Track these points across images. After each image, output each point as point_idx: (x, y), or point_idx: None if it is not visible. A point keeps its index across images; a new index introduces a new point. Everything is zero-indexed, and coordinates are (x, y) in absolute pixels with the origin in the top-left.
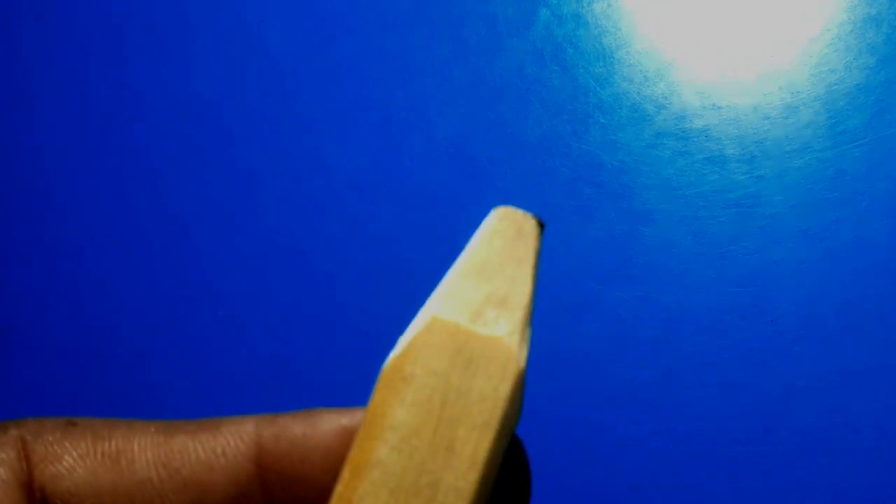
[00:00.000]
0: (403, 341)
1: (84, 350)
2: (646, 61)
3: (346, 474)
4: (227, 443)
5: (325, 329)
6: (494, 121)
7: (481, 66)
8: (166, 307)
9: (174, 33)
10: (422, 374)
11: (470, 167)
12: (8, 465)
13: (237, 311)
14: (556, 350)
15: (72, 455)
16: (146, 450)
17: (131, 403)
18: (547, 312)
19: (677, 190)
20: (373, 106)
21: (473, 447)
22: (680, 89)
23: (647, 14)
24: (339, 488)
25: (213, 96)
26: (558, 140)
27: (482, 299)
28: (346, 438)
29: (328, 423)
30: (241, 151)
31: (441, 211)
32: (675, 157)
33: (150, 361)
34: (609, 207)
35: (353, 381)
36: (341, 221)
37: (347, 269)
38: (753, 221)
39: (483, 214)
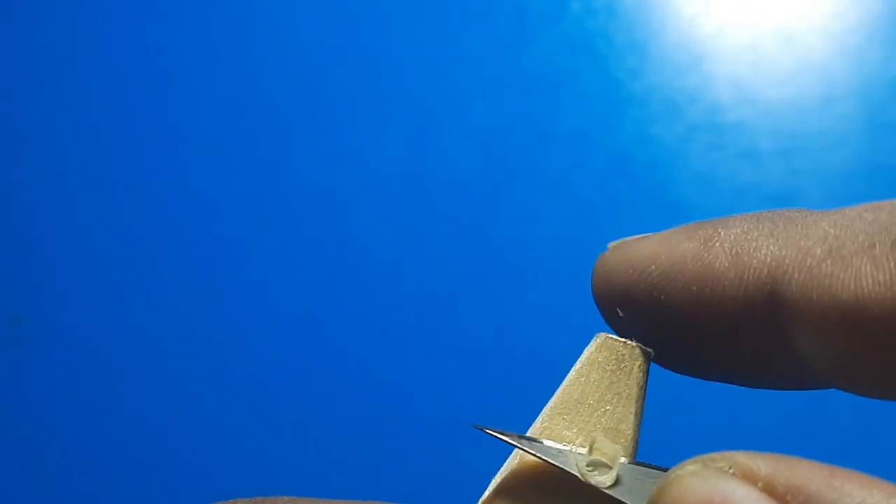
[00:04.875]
0: (496, 481)
1: (94, 346)
2: (678, 54)
3: None
4: None
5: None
6: (525, 114)
7: (512, 60)
8: (178, 304)
9: (201, 26)
10: None
11: (500, 161)
12: None
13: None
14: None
15: None
16: None
17: (135, 404)
18: (578, 311)
19: (711, 184)
20: (403, 99)
21: None
22: (713, 82)
23: (679, 6)
24: None
25: (240, 92)
26: (589, 133)
27: (578, 439)
28: None
29: None
30: (269, 145)
31: (471, 204)
32: (708, 151)
33: (160, 363)
34: (641, 202)
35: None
36: (370, 215)
37: (373, 267)
38: None
39: (512, 211)
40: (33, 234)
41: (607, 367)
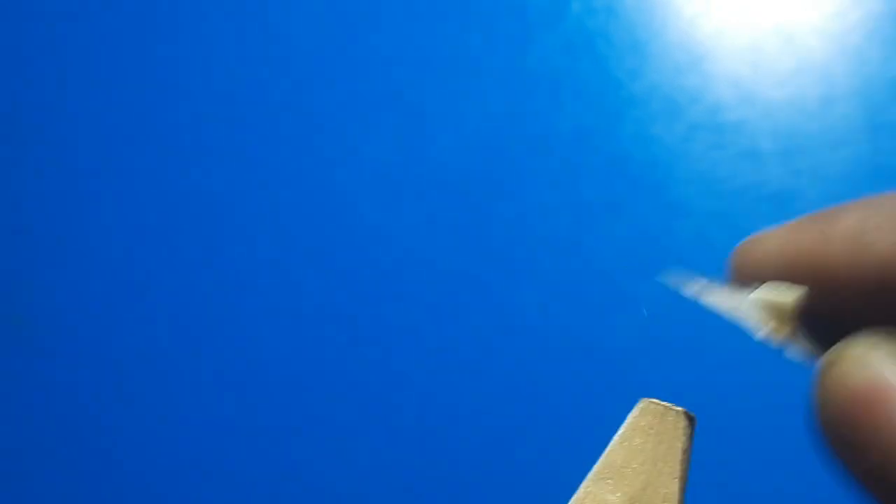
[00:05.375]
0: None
1: (97, 348)
2: (678, 53)
3: None
4: None
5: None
6: (525, 114)
7: (512, 59)
8: (176, 305)
9: (201, 25)
10: None
11: (500, 161)
12: None
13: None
14: (588, 346)
15: None
16: None
17: (138, 407)
18: (579, 308)
19: (711, 184)
20: (402, 99)
21: None
22: (713, 82)
23: (679, 6)
24: None
25: (240, 92)
26: (589, 133)
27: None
28: None
29: None
30: (269, 145)
31: (471, 204)
32: (709, 151)
33: (163, 365)
34: (642, 202)
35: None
36: (369, 215)
37: (373, 267)
38: (789, 216)
39: (512, 211)
40: (35, 235)
41: (650, 432)
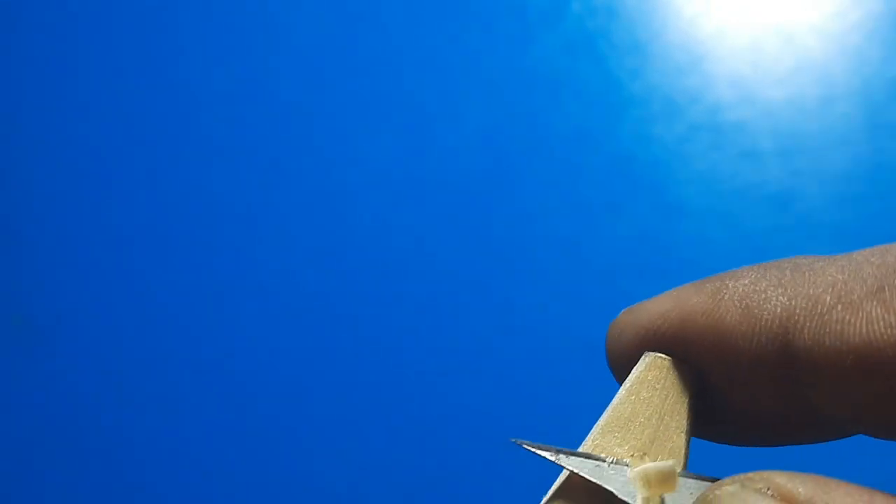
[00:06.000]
0: (554, 487)
1: (99, 347)
2: (678, 54)
3: None
4: None
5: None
6: (525, 114)
7: (512, 60)
8: (179, 307)
9: (201, 24)
10: None
11: (500, 161)
12: None
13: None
14: (590, 347)
15: None
16: None
17: (140, 406)
18: (579, 308)
19: (711, 184)
20: (403, 99)
21: None
22: (713, 82)
23: (679, 6)
24: None
25: (240, 92)
26: (589, 133)
27: (629, 455)
28: None
29: None
30: (269, 146)
31: (471, 204)
32: (709, 151)
33: (164, 364)
34: (642, 202)
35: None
36: (369, 215)
37: (372, 267)
38: (789, 216)
39: (512, 211)
40: (37, 235)
41: (657, 385)
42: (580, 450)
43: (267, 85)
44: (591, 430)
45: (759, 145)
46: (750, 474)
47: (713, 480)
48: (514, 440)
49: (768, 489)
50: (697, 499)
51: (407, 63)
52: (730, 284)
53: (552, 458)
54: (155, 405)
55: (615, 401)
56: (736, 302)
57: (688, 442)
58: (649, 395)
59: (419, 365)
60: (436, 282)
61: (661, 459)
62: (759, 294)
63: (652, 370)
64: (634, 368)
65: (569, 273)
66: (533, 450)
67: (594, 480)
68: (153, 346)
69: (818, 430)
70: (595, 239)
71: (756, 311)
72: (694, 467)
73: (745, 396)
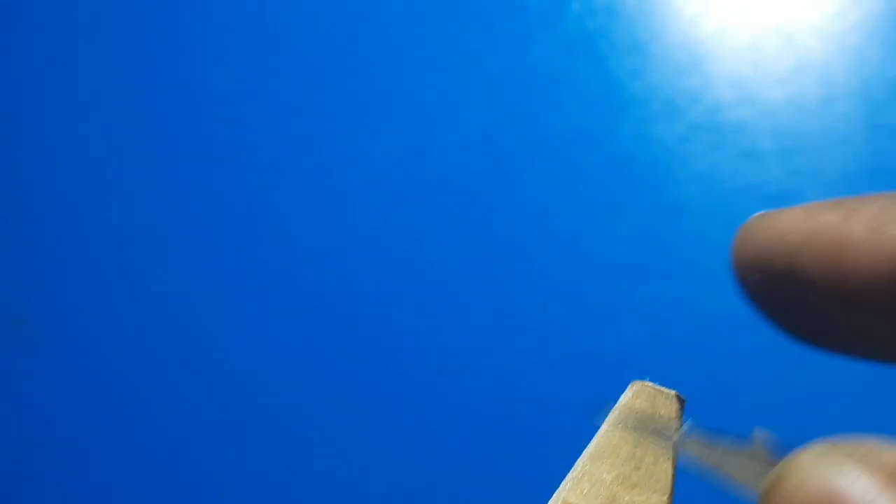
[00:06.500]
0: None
1: (97, 349)
2: (678, 54)
3: None
4: None
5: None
6: (525, 114)
7: (512, 60)
8: (179, 307)
9: (202, 24)
10: None
11: (500, 161)
12: None
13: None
14: (590, 347)
15: None
16: None
17: (139, 408)
18: (579, 308)
19: (711, 184)
20: (403, 99)
21: None
22: (713, 82)
23: (679, 6)
24: None
25: (240, 92)
26: (589, 133)
27: (616, 483)
28: None
29: None
30: (269, 146)
31: (470, 204)
32: (709, 151)
33: (164, 366)
34: (642, 202)
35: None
36: (369, 215)
37: (372, 267)
38: None
39: (512, 211)
40: (37, 235)
41: (645, 413)
42: (570, 475)
43: (267, 85)
44: (581, 456)
45: (759, 145)
46: (836, 441)
47: None
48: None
49: (854, 458)
50: (777, 465)
51: (407, 63)
52: (861, 206)
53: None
54: (155, 405)
55: (603, 427)
56: (864, 222)
57: (674, 469)
58: (636, 423)
59: (419, 365)
60: (436, 282)
61: (648, 487)
62: (887, 219)
63: (639, 398)
64: (622, 396)
65: (569, 273)
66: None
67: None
68: (153, 346)
69: None
70: (595, 239)
71: (883, 231)
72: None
73: (862, 313)
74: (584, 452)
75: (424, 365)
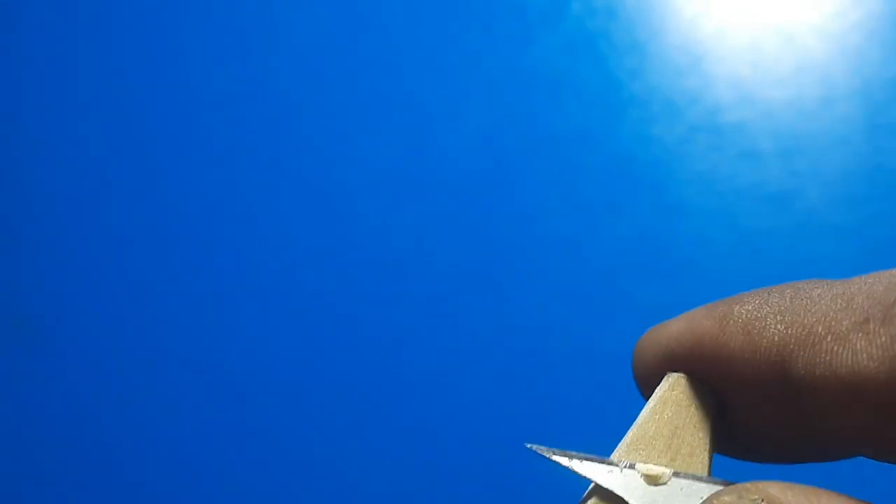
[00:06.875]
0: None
1: (96, 349)
2: (678, 54)
3: None
4: None
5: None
6: (525, 114)
7: (512, 60)
8: (179, 305)
9: (204, 27)
10: None
11: (500, 161)
12: None
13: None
14: (589, 347)
15: None
16: None
17: (138, 409)
18: (579, 308)
19: (711, 185)
20: (403, 99)
21: None
22: (713, 82)
23: (679, 6)
24: None
25: (240, 92)
26: (589, 133)
27: (654, 472)
28: None
29: None
30: (269, 146)
31: (470, 204)
32: (709, 152)
33: (163, 366)
34: (642, 202)
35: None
36: (369, 215)
37: (371, 267)
38: (789, 217)
39: (512, 212)
40: (37, 235)
41: (681, 405)
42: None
43: (267, 85)
44: (617, 447)
45: (758, 146)
46: (746, 485)
47: (707, 480)
48: (528, 445)
49: (762, 501)
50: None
51: (407, 63)
52: (735, 310)
53: (566, 464)
54: (155, 405)
55: (639, 419)
56: (740, 328)
57: (710, 458)
58: (672, 414)
59: (419, 365)
60: (436, 282)
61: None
62: (761, 321)
63: (675, 389)
64: (658, 387)
65: (569, 273)
66: (547, 455)
67: (605, 486)
68: (153, 346)
69: (823, 451)
70: (595, 239)
71: (756, 337)
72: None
73: (755, 417)
74: (621, 443)
75: (424, 365)
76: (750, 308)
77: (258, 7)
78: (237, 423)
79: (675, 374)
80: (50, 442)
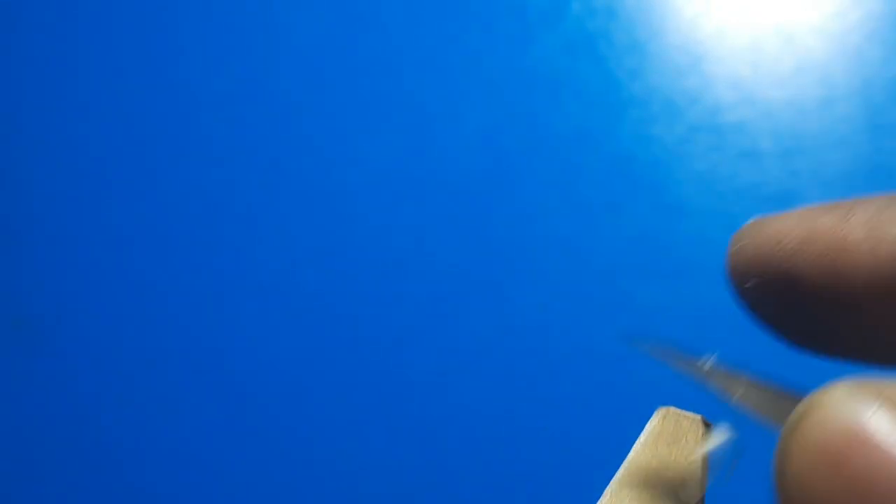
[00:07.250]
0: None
1: (97, 349)
2: (678, 54)
3: None
4: None
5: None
6: (525, 114)
7: (512, 60)
8: (178, 305)
9: (204, 27)
10: None
11: (500, 161)
12: None
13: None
14: (589, 347)
15: None
16: None
17: (139, 409)
18: (579, 308)
19: (711, 185)
20: (402, 99)
21: None
22: (713, 82)
23: (679, 6)
24: None
25: (240, 92)
26: (589, 133)
27: None
28: None
29: None
30: (269, 146)
31: (470, 204)
32: (709, 152)
33: (164, 367)
34: (642, 202)
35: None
36: (368, 216)
37: (371, 267)
38: None
39: (512, 212)
40: (37, 235)
41: (671, 439)
42: (599, 502)
43: (267, 85)
44: (609, 484)
45: (758, 146)
46: (862, 381)
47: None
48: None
49: (882, 398)
50: (803, 401)
51: (407, 63)
52: (858, 208)
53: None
54: (155, 405)
55: (631, 454)
56: (861, 224)
57: (703, 493)
58: (664, 450)
59: (419, 365)
60: (436, 282)
61: None
62: (884, 219)
63: (666, 424)
64: (648, 422)
65: (569, 273)
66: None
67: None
68: (153, 345)
69: None
70: (595, 239)
71: (880, 233)
72: None
73: (858, 316)
74: (613, 479)
75: (424, 365)
76: (875, 208)
77: (258, 7)
78: (237, 423)
79: (665, 409)
80: (50, 442)
